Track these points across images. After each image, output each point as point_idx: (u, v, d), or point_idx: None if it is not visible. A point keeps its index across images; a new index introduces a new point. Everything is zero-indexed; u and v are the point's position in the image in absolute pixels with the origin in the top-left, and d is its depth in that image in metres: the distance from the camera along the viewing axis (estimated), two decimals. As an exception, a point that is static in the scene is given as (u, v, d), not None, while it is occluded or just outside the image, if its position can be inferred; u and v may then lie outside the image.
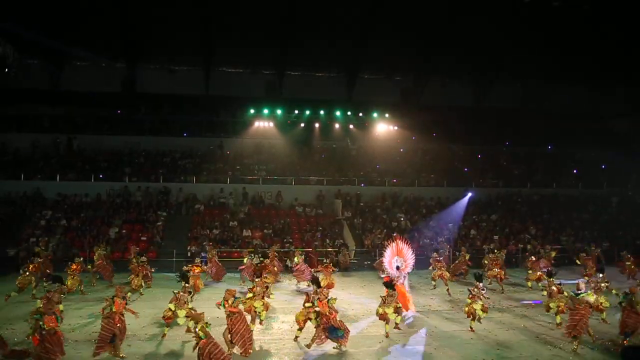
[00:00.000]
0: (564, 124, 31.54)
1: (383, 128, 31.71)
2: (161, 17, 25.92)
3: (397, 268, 14.70)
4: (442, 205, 28.43)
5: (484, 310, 12.65)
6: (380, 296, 12.66)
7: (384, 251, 15.87)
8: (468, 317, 12.92)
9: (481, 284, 13.13)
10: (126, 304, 11.23)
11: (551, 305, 13.35)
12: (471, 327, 12.87)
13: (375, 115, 30.58)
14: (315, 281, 12.85)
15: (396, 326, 12.63)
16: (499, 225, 27.42)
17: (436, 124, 32.06)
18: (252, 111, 29.63)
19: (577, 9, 25.45)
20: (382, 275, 15.00)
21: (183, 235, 24.04)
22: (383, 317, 12.25)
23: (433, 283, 18.21)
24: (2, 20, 20.12)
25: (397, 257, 14.92)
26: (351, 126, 31.55)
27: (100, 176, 27.30)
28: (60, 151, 28.93)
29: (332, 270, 17.32)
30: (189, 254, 21.94)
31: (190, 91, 29.35)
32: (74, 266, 16.85)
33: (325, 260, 19.68)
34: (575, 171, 32.78)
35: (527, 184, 31.28)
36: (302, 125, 30.94)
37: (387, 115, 30.68)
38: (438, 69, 30.16)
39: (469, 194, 28.67)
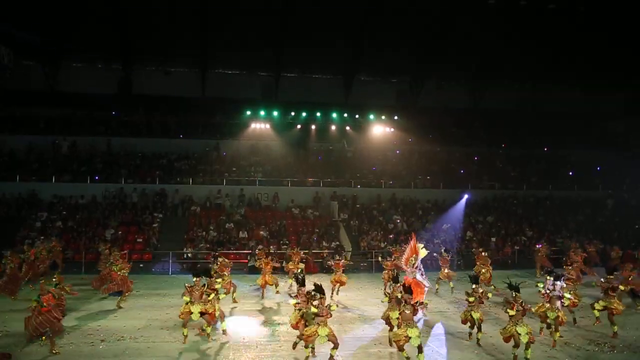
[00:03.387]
0: (559, 126, 31.69)
1: (379, 130, 31.78)
2: (157, 19, 25.91)
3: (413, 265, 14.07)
4: (438, 207, 28.48)
5: (481, 319, 11.86)
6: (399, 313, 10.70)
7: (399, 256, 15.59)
8: (465, 322, 12.08)
9: (476, 286, 12.07)
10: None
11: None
12: (470, 334, 12.15)
13: (371, 117, 30.68)
14: (297, 279, 12.12)
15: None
16: (495, 227, 27.48)
17: (432, 126, 32.23)
18: (248, 113, 29.67)
19: (572, 12, 25.63)
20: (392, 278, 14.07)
21: (179, 237, 23.98)
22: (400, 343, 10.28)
23: (437, 287, 17.33)
24: (-1, 21, 20.12)
25: (415, 255, 14.18)
26: (347, 128, 31.61)
27: (96, 178, 27.18)
28: (63, 152, 28.78)
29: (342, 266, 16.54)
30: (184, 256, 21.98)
31: (186, 93, 29.39)
32: None
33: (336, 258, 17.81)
34: (570, 173, 32.86)
35: (523, 186, 31.31)
36: (299, 127, 31.02)
37: (383, 117, 30.77)
38: (434, 71, 30.25)
39: (466, 196, 28.70)
